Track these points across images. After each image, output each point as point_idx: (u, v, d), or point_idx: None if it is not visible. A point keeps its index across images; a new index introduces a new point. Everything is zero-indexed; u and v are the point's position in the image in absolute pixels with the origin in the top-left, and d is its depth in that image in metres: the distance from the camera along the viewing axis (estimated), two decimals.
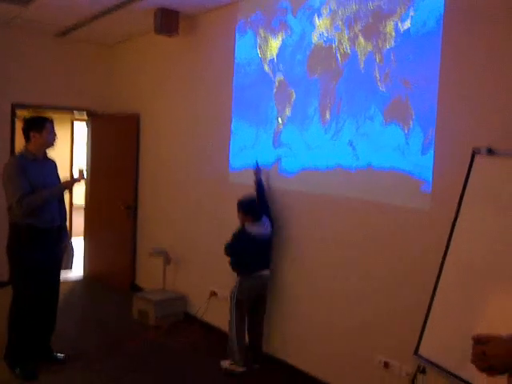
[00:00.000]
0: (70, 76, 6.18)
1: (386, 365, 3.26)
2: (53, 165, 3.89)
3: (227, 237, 4.00)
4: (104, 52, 6.42)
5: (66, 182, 3.79)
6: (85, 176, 3.86)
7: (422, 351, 2.64)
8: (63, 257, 3.93)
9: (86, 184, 6.60)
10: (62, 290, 4.08)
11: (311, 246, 3.86)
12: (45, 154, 3.78)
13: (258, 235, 3.88)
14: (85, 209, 6.77)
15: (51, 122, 3.74)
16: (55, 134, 3.75)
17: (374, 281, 3.39)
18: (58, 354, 3.98)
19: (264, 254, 3.99)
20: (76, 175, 3.81)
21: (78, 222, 7.85)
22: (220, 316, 4.62)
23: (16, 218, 3.57)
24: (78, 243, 7.88)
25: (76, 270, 6.67)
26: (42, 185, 3.59)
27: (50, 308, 3.89)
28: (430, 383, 2.74)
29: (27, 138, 3.66)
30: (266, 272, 3.99)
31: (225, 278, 4.63)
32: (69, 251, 4.02)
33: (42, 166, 3.70)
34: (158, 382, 3.79)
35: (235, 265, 4.01)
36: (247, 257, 3.93)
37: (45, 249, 3.65)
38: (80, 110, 6.58)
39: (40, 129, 3.62)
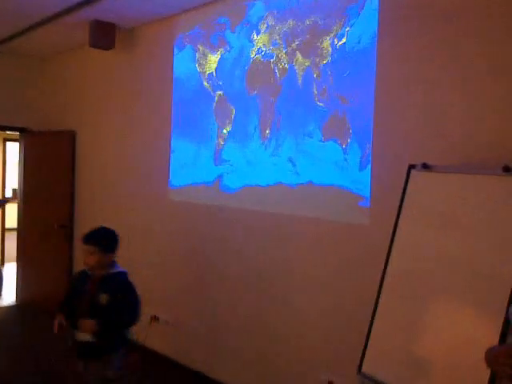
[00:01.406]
0: (2, 91, 5.88)
1: None
2: None
3: (170, 256, 3.85)
4: (39, 66, 6.15)
5: None
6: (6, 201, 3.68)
7: (366, 369, 2.61)
8: None
9: (19, 205, 6.27)
10: None
11: (252, 260, 3.79)
12: None
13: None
14: (17, 231, 6.40)
15: None
16: None
17: (315, 296, 3.35)
18: None
19: None
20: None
21: (10, 247, 7.45)
22: (163, 341, 4.48)
23: None
24: (10, 269, 7.51)
25: (8, 297, 6.30)
26: None
27: None
28: None
29: None
30: None
31: (167, 301, 4.49)
32: None
33: None
34: None
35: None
36: None
37: None
38: (13, 128, 6.27)
39: None
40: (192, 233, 4.32)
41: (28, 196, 6.10)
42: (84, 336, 2.79)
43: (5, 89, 5.90)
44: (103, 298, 2.78)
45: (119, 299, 2.78)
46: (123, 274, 2.96)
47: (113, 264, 2.95)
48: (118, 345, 2.90)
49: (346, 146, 3.19)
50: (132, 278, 4.75)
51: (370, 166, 3.06)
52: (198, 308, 4.24)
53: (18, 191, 6.48)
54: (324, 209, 3.33)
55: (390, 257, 2.64)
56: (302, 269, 3.44)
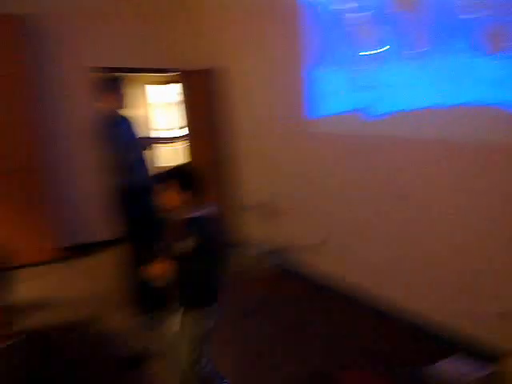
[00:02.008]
0: (148, 35, 6.09)
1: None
2: (130, 123, 3.92)
3: (318, 188, 3.80)
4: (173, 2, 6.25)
5: (144, 138, 3.86)
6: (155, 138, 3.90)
7: None
8: None
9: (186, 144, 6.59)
10: None
11: (404, 189, 3.66)
12: (120, 113, 3.82)
13: None
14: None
15: (120, 82, 3.75)
16: (124, 95, 3.79)
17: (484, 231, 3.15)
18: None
19: None
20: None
21: None
22: (322, 268, 4.58)
23: (114, 177, 3.66)
24: None
25: None
26: (125, 142, 3.68)
27: None
28: None
29: (100, 98, 3.72)
30: None
31: (327, 228, 4.52)
32: None
33: (121, 125, 3.76)
34: (264, 329, 3.82)
35: None
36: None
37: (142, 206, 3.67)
38: (163, 69, 6.41)
39: (110, 90, 3.69)
40: (335, 167, 4.28)
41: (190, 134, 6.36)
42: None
43: (151, 32, 6.11)
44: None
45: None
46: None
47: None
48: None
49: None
50: (295, 209, 4.52)
51: None
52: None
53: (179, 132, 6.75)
54: (483, 132, 3.06)
55: None
56: (458, 202, 3.25)
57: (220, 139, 5.92)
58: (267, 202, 5.15)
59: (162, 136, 7.23)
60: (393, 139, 3.69)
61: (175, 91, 6.53)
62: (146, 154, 3.97)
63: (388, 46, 3.63)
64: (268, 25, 4.84)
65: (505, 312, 2.99)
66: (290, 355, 3.41)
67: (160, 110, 7.13)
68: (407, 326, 3.70)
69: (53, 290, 4.61)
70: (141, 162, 3.84)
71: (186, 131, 6.12)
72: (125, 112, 3.86)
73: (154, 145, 8.11)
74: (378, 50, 3.71)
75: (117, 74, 3.93)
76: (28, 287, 4.58)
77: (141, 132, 4.03)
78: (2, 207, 5.09)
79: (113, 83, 3.72)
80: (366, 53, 3.81)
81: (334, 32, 4.09)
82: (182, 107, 6.27)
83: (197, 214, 2.39)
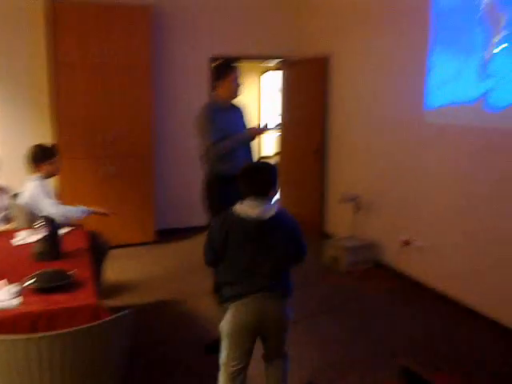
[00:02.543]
0: (260, 24, 6.19)
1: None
2: (240, 112, 3.85)
3: (421, 184, 3.68)
4: None
5: (252, 129, 3.73)
6: (268, 127, 3.80)
7: None
8: None
9: (282, 132, 6.73)
10: None
11: None
12: (232, 102, 3.75)
13: (248, 220, 2.36)
14: (280, 156, 6.89)
15: (235, 70, 3.66)
16: (240, 83, 3.69)
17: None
18: None
19: (261, 266, 2.37)
20: (262, 126, 3.81)
21: None
22: (413, 265, 4.45)
23: (207, 165, 3.63)
24: None
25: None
26: (229, 132, 3.58)
27: None
28: None
29: (213, 86, 3.70)
30: (262, 298, 2.36)
31: (419, 227, 4.40)
32: None
33: (228, 114, 3.68)
34: (352, 322, 3.80)
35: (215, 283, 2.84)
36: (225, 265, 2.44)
37: (232, 195, 3.65)
38: (273, 57, 6.55)
39: (223, 78, 3.61)
40: (451, 158, 4.07)
41: (287, 123, 6.50)
42: None
43: (263, 21, 6.20)
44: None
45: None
46: None
47: None
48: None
49: None
50: (386, 204, 4.59)
51: None
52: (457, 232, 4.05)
53: (269, 123, 6.91)
54: None
55: None
56: None
57: (322, 128, 5.87)
58: (359, 195, 5.08)
59: (271, 124, 7.37)
60: (509, 131, 3.42)
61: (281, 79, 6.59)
62: (252, 143, 3.84)
63: None
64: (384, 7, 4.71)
65: None
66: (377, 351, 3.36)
67: (271, 98, 7.23)
68: (499, 329, 3.54)
69: (147, 270, 4.87)
70: (245, 152, 3.71)
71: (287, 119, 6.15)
72: (238, 101, 3.80)
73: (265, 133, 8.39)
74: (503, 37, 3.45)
75: (230, 61, 3.86)
76: (126, 266, 4.89)
77: (250, 122, 3.92)
78: (114, 188, 5.39)
79: (226, 70, 3.65)
80: (493, 40, 3.56)
81: (460, 16, 3.87)
82: (286, 95, 6.32)
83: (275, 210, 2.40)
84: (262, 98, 8.28)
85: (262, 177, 2.42)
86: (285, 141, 6.65)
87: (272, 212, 2.36)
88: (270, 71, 7.65)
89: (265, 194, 2.39)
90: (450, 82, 3.96)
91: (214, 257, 2.42)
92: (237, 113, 3.81)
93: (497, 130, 3.58)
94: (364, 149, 5.18)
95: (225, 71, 3.65)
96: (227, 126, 3.60)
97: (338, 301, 4.19)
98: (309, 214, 6.11)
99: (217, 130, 3.53)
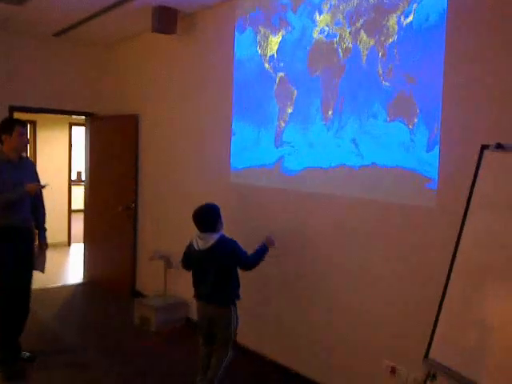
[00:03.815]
0: (68, 77, 6.12)
1: (393, 370, 3.16)
2: (30, 166, 3.98)
3: (231, 235, 3.86)
4: (102, 52, 6.34)
5: (29, 186, 3.76)
6: (45, 185, 3.87)
7: (433, 355, 2.54)
8: (37, 256, 3.96)
9: (85, 187, 6.54)
10: (64, 294, 4.01)
11: (314, 244, 3.77)
12: (20, 155, 3.85)
13: (195, 248, 3.38)
14: (84, 213, 6.68)
15: (22, 124, 3.82)
16: (26, 137, 3.88)
17: (379, 280, 3.30)
18: (25, 353, 3.95)
19: (205, 281, 3.37)
20: (43, 182, 3.92)
21: (77, 227, 7.80)
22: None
23: None
24: (76, 249, 7.87)
25: (76, 275, 6.62)
26: (15, 186, 3.66)
27: (21, 307, 3.87)
28: None
29: (0, 140, 3.75)
30: (208, 306, 3.41)
31: None
32: (44, 252, 4.01)
33: (16, 168, 3.76)
34: None
35: None
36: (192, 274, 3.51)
37: (13, 247, 3.72)
38: (79, 112, 6.51)
39: (10, 131, 3.70)
40: (252, 215, 4.35)
41: (94, 179, 6.34)
42: None
43: (71, 75, 6.14)
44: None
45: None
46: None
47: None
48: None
49: (413, 126, 3.09)
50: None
51: (438, 147, 2.96)
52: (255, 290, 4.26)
53: (84, 174, 6.74)
54: (388, 191, 3.25)
55: (460, 243, 2.53)
56: (365, 254, 3.39)
57: (134, 186, 5.87)
58: (169, 253, 5.10)
59: (75, 177, 7.18)
60: (303, 193, 3.82)
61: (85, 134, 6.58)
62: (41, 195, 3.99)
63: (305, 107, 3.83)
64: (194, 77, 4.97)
65: None
66: None
67: (77, 152, 7.05)
68: None
69: None
70: (30, 206, 3.83)
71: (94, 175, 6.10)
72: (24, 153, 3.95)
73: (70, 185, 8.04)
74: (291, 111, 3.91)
75: (15, 116, 4.10)
76: None
77: (36, 174, 4.01)
78: None
79: (11, 125, 3.73)
80: (287, 111, 3.99)
81: (258, 89, 4.26)
82: (87, 150, 6.30)
83: None
84: (73, 151, 8.02)
85: (203, 217, 3.38)
86: (92, 197, 6.43)
87: (211, 242, 3.29)
88: (80, 126, 7.52)
89: (207, 229, 3.34)
90: (251, 147, 4.30)
91: (186, 266, 3.52)
92: (25, 166, 3.90)
93: (294, 191, 3.94)
94: (175, 207, 5.25)
95: (11, 126, 3.73)
96: (13, 179, 3.67)
97: (145, 363, 4.05)
98: (120, 272, 5.93)
99: None
